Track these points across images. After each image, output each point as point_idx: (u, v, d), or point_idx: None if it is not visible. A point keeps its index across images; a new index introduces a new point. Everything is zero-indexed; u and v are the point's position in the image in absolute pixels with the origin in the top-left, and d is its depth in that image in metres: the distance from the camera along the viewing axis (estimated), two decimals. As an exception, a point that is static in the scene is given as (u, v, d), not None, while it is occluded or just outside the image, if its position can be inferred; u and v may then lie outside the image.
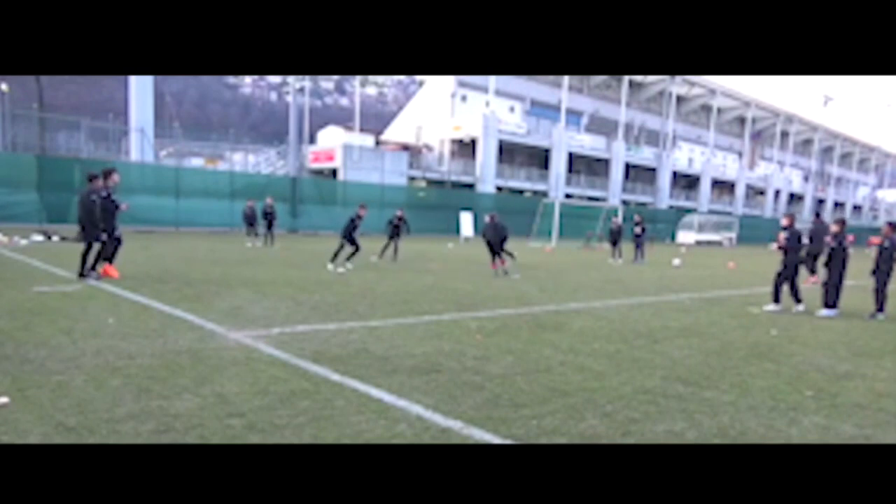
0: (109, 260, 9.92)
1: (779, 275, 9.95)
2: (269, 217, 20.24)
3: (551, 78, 49.25)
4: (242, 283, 9.93)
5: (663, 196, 54.98)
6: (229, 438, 3.46)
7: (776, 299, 10.00)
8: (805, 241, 10.95)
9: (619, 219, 21.45)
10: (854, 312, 9.99)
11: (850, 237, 10.40)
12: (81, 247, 9.71)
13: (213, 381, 4.51)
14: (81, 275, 9.53)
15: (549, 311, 8.78)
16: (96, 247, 9.64)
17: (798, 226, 10.44)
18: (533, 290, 11.01)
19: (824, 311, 9.68)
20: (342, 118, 53.64)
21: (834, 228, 9.89)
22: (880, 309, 9.69)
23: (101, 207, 9.66)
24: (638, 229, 20.52)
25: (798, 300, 10.00)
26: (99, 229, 9.57)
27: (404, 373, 5.02)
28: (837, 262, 9.70)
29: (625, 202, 46.52)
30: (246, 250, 17.67)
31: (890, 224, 9.77)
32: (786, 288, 10.03)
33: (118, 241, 9.98)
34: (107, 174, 9.99)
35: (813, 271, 15.05)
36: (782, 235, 9.95)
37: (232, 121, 69.36)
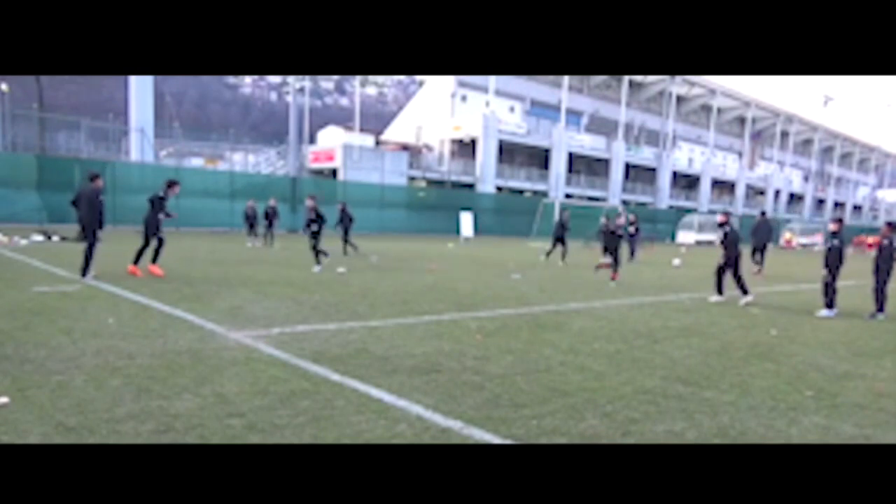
0: (154, 259, 10.56)
1: (720, 268, 10.71)
2: (270, 217, 20.16)
3: (551, 78, 49.26)
4: (242, 283, 9.93)
5: (663, 196, 54.99)
6: (229, 438, 3.46)
7: (720, 291, 10.75)
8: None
9: (607, 220, 21.18)
10: (854, 312, 9.99)
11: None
12: (82, 246, 9.75)
13: (213, 381, 4.51)
14: (83, 274, 9.54)
15: (549, 311, 8.78)
16: (100, 245, 9.77)
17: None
18: (533, 290, 11.01)
19: (824, 312, 9.69)
20: (342, 118, 53.66)
21: (832, 227, 9.94)
22: (880, 309, 9.69)
23: (153, 209, 10.56)
24: (632, 229, 20.57)
25: (745, 291, 10.60)
26: (98, 227, 9.72)
27: (404, 373, 5.02)
28: (834, 262, 9.73)
29: (625, 202, 46.55)
30: (246, 250, 17.67)
31: (889, 224, 9.81)
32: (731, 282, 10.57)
33: (161, 241, 10.61)
34: (171, 184, 10.97)
35: (757, 264, 17.08)
36: (720, 232, 10.85)
37: (232, 121, 69.36)
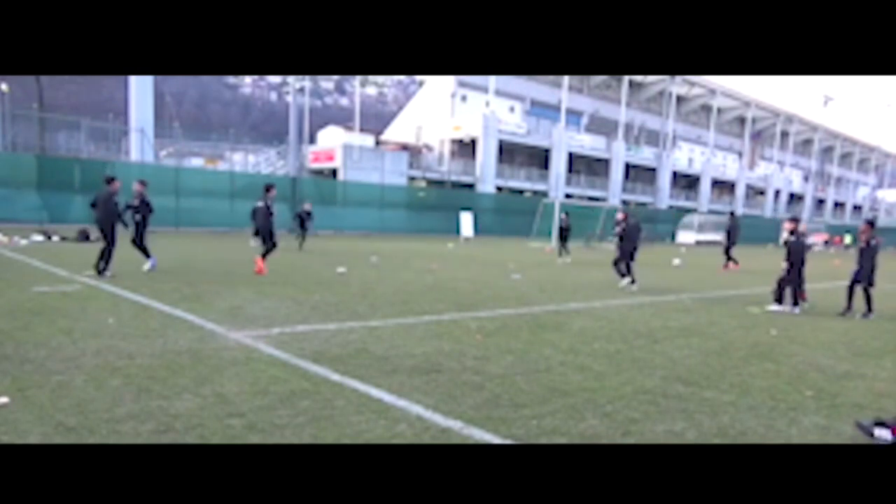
0: (263, 257, 11.60)
1: (616, 261, 12.35)
2: (304, 220, 19.89)
3: (551, 78, 49.25)
4: (242, 283, 9.93)
5: (663, 196, 54.98)
6: (229, 438, 3.46)
7: (622, 275, 12.25)
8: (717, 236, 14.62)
9: (566, 216, 20.80)
10: (853, 313, 9.99)
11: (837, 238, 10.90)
12: (85, 246, 9.89)
13: (213, 381, 4.51)
14: (99, 272, 9.89)
15: (549, 311, 8.78)
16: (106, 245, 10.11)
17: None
18: (533, 290, 11.01)
19: (775, 307, 9.94)
20: (342, 118, 53.66)
21: (788, 226, 10.15)
22: (870, 309, 9.75)
23: (263, 216, 11.80)
24: (618, 229, 20.65)
25: (622, 275, 12.20)
26: (115, 230, 10.18)
27: (404, 373, 5.02)
28: (795, 260, 9.84)
29: (625, 202, 46.55)
30: (246, 250, 17.67)
31: (868, 223, 9.96)
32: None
33: (275, 244, 11.82)
34: (269, 188, 11.98)
35: (731, 259, 18.99)
36: (617, 228, 12.59)
37: (232, 121, 69.39)
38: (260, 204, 11.98)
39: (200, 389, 4.29)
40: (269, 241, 11.75)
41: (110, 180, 10.33)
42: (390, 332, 6.66)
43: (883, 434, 3.82)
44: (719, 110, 61.67)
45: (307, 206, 20.43)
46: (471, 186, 42.83)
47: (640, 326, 7.83)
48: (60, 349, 5.19)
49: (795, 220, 10.29)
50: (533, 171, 48.13)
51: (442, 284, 11.24)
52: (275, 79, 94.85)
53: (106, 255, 9.96)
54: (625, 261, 12.20)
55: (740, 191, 63.14)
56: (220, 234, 25.41)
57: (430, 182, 41.93)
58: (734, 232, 19.51)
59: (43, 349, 5.16)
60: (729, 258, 19.09)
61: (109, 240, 10.01)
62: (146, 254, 11.13)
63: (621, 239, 12.31)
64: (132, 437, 3.41)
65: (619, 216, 12.73)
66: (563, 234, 19.97)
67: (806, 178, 74.76)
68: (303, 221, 19.96)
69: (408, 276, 12.53)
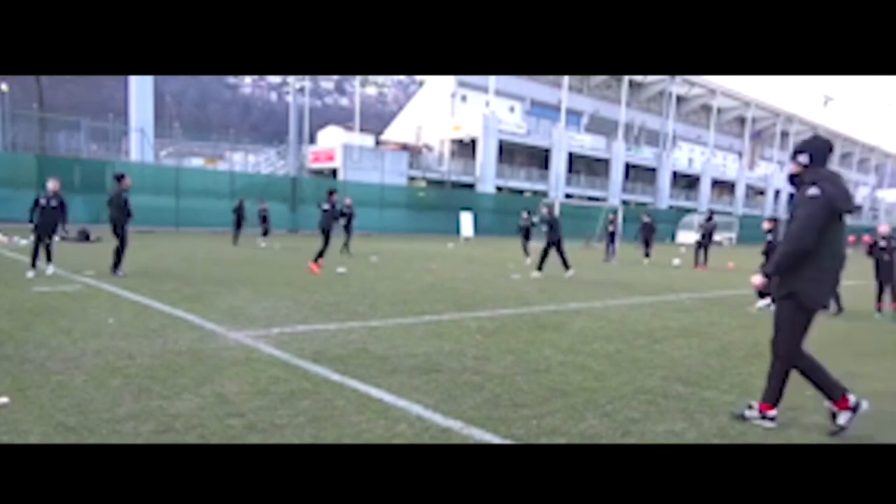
0: (315, 259, 12.24)
1: (544, 250, 13.65)
2: (349, 218, 18.54)
3: (551, 78, 49.25)
4: (242, 283, 9.93)
5: (663, 196, 54.98)
6: (229, 438, 3.46)
7: (539, 268, 13.58)
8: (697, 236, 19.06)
9: (528, 215, 20.51)
10: (854, 312, 10.00)
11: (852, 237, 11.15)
12: (85, 246, 9.91)
13: (213, 381, 4.51)
14: (114, 270, 10.07)
15: (549, 311, 8.78)
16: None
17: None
18: (533, 290, 11.01)
19: (760, 302, 9.98)
20: (342, 118, 53.66)
21: (766, 226, 10.30)
22: (840, 308, 9.86)
23: (327, 218, 12.66)
24: (612, 227, 21.23)
25: (566, 266, 13.65)
26: (125, 228, 10.38)
27: (404, 373, 5.02)
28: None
29: (625, 202, 46.55)
30: (247, 250, 17.67)
31: (771, 219, 10.34)
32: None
33: (327, 245, 12.56)
34: (332, 192, 13.11)
35: (705, 258, 19.54)
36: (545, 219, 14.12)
37: (232, 121, 69.46)
38: (326, 207, 12.83)
39: (200, 389, 4.29)
40: (325, 242, 12.49)
41: (120, 178, 10.41)
42: (390, 332, 6.66)
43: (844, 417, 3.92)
44: (719, 110, 61.68)
45: (348, 202, 18.73)
46: (471, 186, 42.83)
47: (640, 326, 7.83)
48: (60, 349, 5.19)
49: (774, 219, 10.46)
50: (533, 171, 48.13)
51: (442, 284, 11.24)
52: (275, 79, 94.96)
53: (118, 254, 10.11)
54: (556, 249, 13.56)
55: (740, 191, 63.15)
56: (221, 234, 25.40)
57: (430, 182, 41.93)
58: (710, 233, 20.29)
59: (43, 349, 5.16)
60: (704, 258, 19.60)
61: (121, 236, 10.15)
62: (48, 257, 9.94)
63: (550, 228, 13.79)
64: (132, 437, 3.41)
65: (544, 210, 14.47)
66: (527, 235, 19.01)
67: (806, 179, 74.66)
68: (348, 220, 18.20)
69: (408, 275, 12.53)
